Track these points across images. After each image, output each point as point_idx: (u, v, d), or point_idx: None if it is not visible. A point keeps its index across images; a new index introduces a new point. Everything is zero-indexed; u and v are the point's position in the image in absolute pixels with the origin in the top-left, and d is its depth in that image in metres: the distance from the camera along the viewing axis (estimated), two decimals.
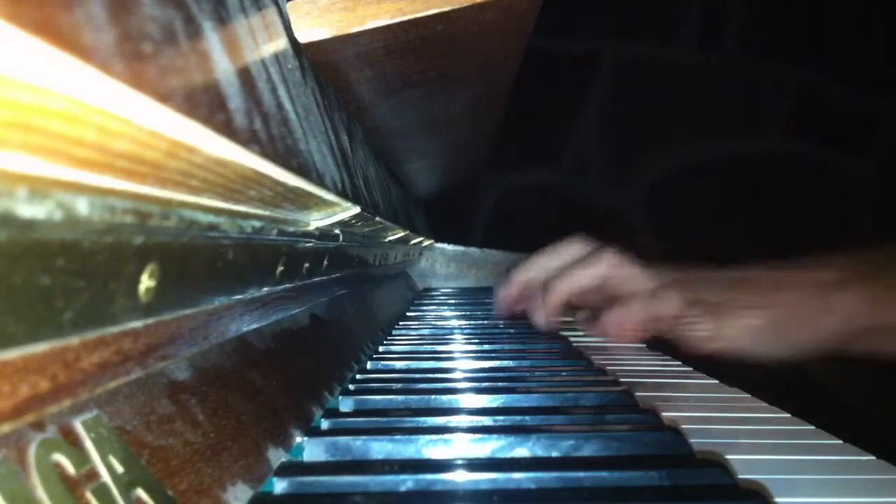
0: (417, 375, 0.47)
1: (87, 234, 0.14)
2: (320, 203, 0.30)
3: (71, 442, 0.17)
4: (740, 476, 0.30)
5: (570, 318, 0.76)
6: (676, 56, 1.78)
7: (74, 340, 0.15)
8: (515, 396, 0.39)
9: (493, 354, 0.55)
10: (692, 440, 0.32)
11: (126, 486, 0.18)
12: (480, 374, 0.47)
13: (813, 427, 0.39)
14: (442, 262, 1.21)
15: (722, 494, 0.26)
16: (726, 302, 0.58)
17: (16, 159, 0.12)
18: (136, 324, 0.17)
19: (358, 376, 0.45)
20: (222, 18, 0.20)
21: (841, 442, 0.36)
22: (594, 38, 1.78)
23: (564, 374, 0.48)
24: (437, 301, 0.98)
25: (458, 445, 0.31)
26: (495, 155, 1.29)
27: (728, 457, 0.33)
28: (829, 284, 0.55)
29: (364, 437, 0.30)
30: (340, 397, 0.39)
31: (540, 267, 0.68)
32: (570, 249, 0.67)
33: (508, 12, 0.39)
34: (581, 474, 0.27)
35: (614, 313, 0.60)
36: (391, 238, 0.61)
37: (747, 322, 0.57)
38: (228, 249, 0.22)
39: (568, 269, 0.65)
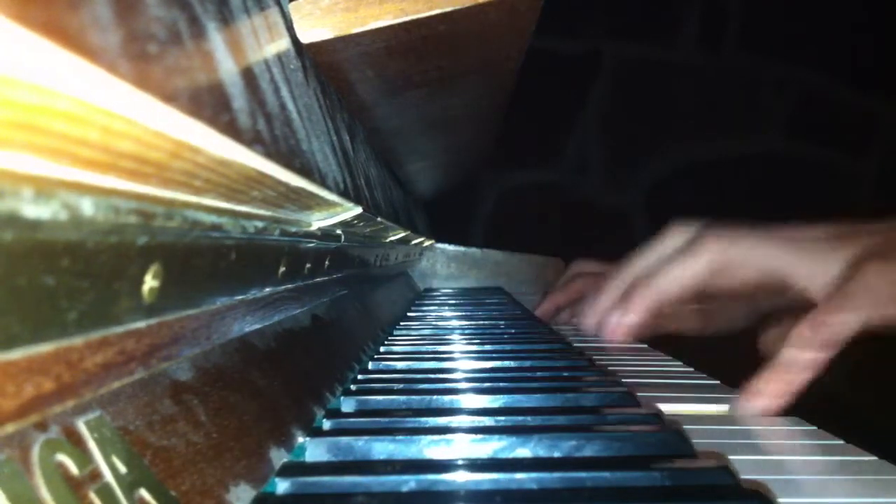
0: (419, 376, 0.47)
1: (92, 234, 0.14)
2: (322, 203, 0.30)
3: (74, 442, 0.17)
4: (742, 476, 0.30)
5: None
6: (676, 56, 1.78)
7: (78, 341, 0.15)
8: (517, 397, 0.39)
9: (494, 355, 0.55)
10: (694, 440, 0.32)
11: (129, 486, 0.18)
12: (482, 375, 0.47)
13: (815, 427, 0.39)
14: (443, 262, 1.21)
15: (724, 495, 0.26)
16: None
17: (21, 160, 0.12)
18: (140, 324, 0.17)
19: (359, 377, 0.45)
20: (226, 19, 0.20)
21: (843, 442, 0.36)
22: (594, 38, 1.78)
23: (566, 374, 0.48)
24: (437, 301, 0.98)
25: (460, 446, 0.31)
26: (495, 155, 1.29)
27: (730, 457, 0.33)
28: None
29: (366, 438, 0.30)
30: (342, 398, 0.39)
31: (634, 267, 0.48)
32: (668, 241, 0.48)
33: (510, 12, 0.39)
34: (583, 474, 0.27)
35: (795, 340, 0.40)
36: (392, 238, 0.61)
37: None
38: (231, 250, 0.22)
39: (659, 266, 0.47)
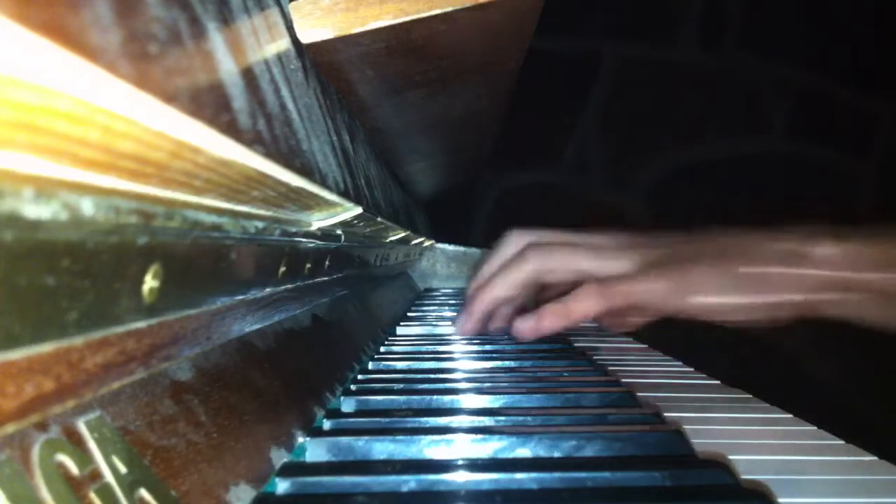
0: (419, 376, 0.47)
1: (92, 234, 0.14)
2: (322, 203, 0.30)
3: (74, 442, 0.17)
4: (743, 476, 0.30)
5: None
6: (676, 56, 1.78)
7: (79, 341, 0.15)
8: (517, 397, 0.39)
9: (494, 354, 0.55)
10: (694, 440, 0.32)
11: (129, 486, 0.18)
12: (482, 375, 0.47)
13: (815, 427, 0.39)
14: (443, 262, 1.21)
15: (725, 495, 0.26)
16: (690, 259, 0.53)
17: (22, 160, 0.12)
18: (140, 324, 0.17)
19: (360, 377, 0.45)
20: (226, 19, 0.20)
21: (843, 442, 0.36)
22: (594, 38, 1.78)
23: (566, 374, 0.48)
24: (437, 301, 0.98)
25: (460, 446, 0.31)
26: (496, 155, 1.29)
27: (730, 457, 0.33)
28: (801, 239, 0.51)
29: (366, 438, 0.30)
30: (342, 398, 0.39)
31: (482, 275, 0.62)
32: (502, 251, 0.61)
33: (510, 13, 0.39)
34: (583, 475, 0.27)
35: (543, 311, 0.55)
36: (392, 238, 0.61)
37: (713, 278, 0.52)
38: (231, 250, 0.22)
39: (493, 275, 0.59)
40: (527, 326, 0.55)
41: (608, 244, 0.58)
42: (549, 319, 0.54)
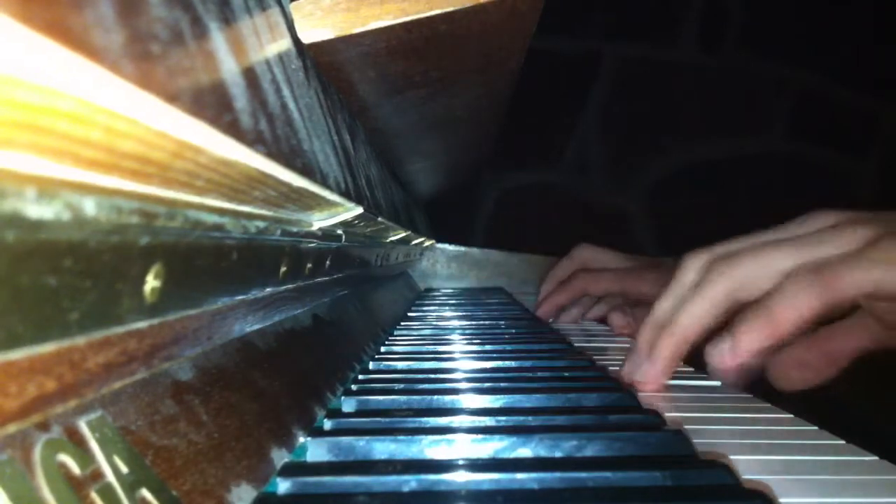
0: (419, 376, 0.47)
1: (94, 234, 0.14)
2: (323, 203, 0.30)
3: (76, 442, 0.17)
4: (744, 476, 0.30)
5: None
6: (676, 56, 1.78)
7: (80, 341, 0.15)
8: (518, 397, 0.39)
9: (494, 355, 0.55)
10: (695, 441, 0.32)
11: (131, 486, 0.18)
12: (482, 375, 0.47)
13: (815, 427, 0.39)
14: (443, 262, 1.21)
15: (725, 495, 0.26)
16: None
17: (24, 160, 0.12)
18: (141, 324, 0.17)
19: (360, 377, 0.45)
20: (228, 19, 0.20)
21: (843, 442, 0.36)
22: (594, 38, 1.78)
23: (567, 374, 0.48)
24: (438, 301, 0.98)
25: (461, 446, 0.31)
26: (496, 155, 1.29)
27: (731, 457, 0.33)
28: None
29: (367, 438, 0.30)
30: (343, 398, 0.39)
31: (655, 316, 0.47)
32: (682, 278, 0.46)
33: (511, 13, 0.39)
34: (584, 475, 0.27)
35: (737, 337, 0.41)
36: (393, 238, 0.61)
37: None
38: (233, 250, 0.22)
39: (676, 310, 0.45)
40: (722, 358, 0.42)
41: (818, 225, 0.44)
42: (748, 337, 0.41)
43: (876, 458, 0.34)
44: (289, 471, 0.27)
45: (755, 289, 0.43)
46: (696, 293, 0.45)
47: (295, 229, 0.29)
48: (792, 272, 0.41)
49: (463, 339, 0.61)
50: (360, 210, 0.34)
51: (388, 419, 0.35)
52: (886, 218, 0.43)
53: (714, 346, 0.42)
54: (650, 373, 0.47)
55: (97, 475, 0.17)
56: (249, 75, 0.21)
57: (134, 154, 0.14)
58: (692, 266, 0.47)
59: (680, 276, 0.47)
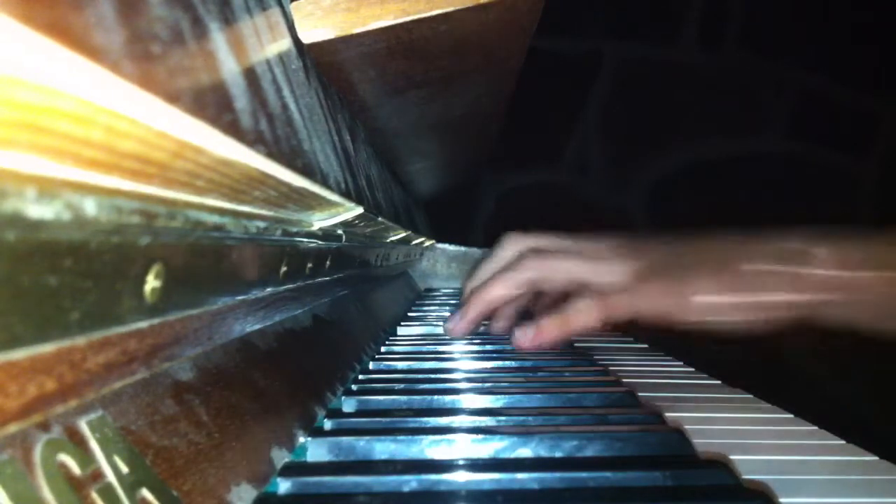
0: (420, 376, 0.47)
1: (95, 234, 0.14)
2: (324, 203, 0.30)
3: (76, 442, 0.17)
4: (744, 476, 0.30)
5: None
6: (676, 56, 1.78)
7: (81, 341, 0.15)
8: (518, 397, 0.39)
9: (494, 354, 0.55)
10: (695, 441, 0.32)
11: (131, 486, 0.18)
12: (483, 375, 0.47)
13: (815, 427, 0.39)
14: (443, 262, 1.21)
15: (726, 495, 0.26)
16: (687, 264, 0.53)
17: (25, 160, 0.12)
18: (142, 324, 0.17)
19: (360, 377, 0.45)
20: (228, 19, 0.20)
21: (843, 442, 0.36)
22: (594, 38, 1.78)
23: (567, 374, 0.48)
24: (438, 301, 0.98)
25: (461, 446, 0.31)
26: (496, 155, 1.29)
27: (731, 457, 0.33)
28: (799, 240, 0.51)
29: (367, 438, 0.30)
30: (343, 398, 0.39)
31: (478, 277, 0.62)
32: (500, 254, 0.61)
33: (511, 13, 0.39)
34: (584, 475, 0.27)
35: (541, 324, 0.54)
36: (393, 238, 0.61)
37: (712, 278, 0.51)
38: (233, 250, 0.22)
39: (491, 278, 0.59)
40: (526, 338, 0.55)
41: (605, 251, 0.58)
42: (548, 331, 0.54)
43: (876, 458, 0.34)
44: (289, 471, 0.27)
45: (551, 284, 0.58)
46: (507, 273, 0.58)
47: (295, 229, 0.29)
48: (582, 285, 0.56)
49: (463, 339, 0.61)
50: (360, 210, 0.34)
51: (388, 419, 0.35)
52: (663, 248, 0.56)
53: (521, 329, 0.55)
54: (459, 326, 0.61)
55: (97, 475, 0.17)
56: (250, 75, 0.21)
57: (134, 154, 0.14)
58: (511, 248, 0.60)
59: (500, 252, 0.61)
